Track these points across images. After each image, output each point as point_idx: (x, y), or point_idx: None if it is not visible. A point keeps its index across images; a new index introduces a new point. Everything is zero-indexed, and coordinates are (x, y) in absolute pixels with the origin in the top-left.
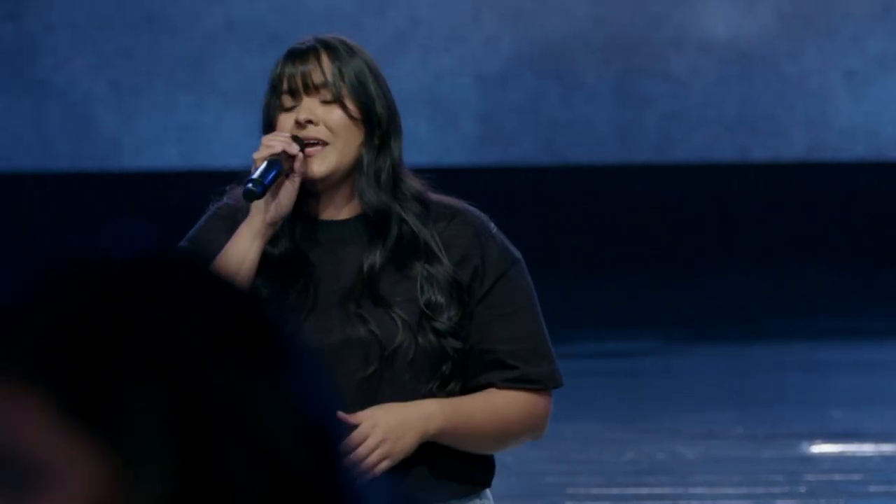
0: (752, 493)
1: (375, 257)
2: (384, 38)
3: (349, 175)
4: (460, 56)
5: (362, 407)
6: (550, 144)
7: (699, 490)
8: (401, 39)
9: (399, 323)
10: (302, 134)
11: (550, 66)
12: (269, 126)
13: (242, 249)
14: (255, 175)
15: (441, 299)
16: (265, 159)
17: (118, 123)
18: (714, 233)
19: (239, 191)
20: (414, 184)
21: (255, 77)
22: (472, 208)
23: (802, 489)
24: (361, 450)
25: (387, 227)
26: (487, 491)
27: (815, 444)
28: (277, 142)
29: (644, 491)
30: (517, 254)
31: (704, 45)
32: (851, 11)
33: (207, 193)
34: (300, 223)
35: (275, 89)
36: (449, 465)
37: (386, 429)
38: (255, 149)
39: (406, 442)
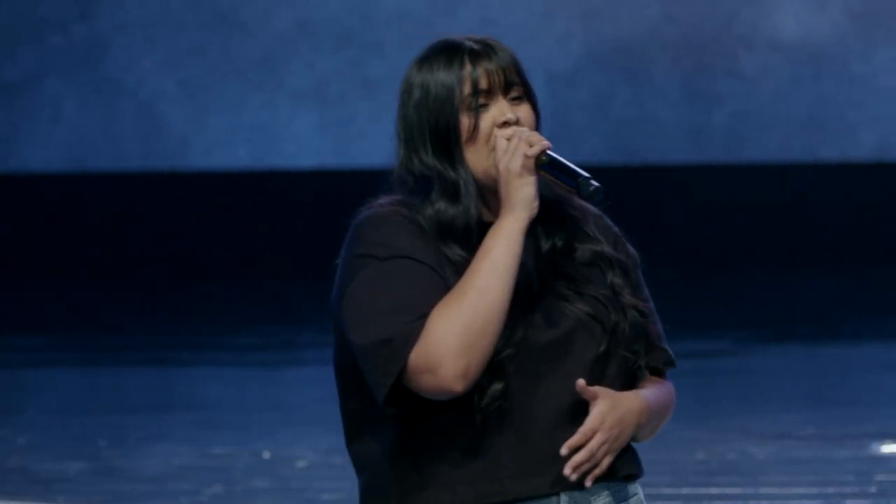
0: (823, 493)
1: (555, 241)
2: None
3: None
4: (531, 55)
5: (594, 384)
6: (619, 143)
7: (770, 490)
8: None
9: (606, 302)
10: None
11: (620, 64)
12: (447, 129)
13: (513, 246)
14: (583, 171)
15: (619, 279)
16: (542, 155)
17: (188, 123)
18: (785, 233)
19: (385, 199)
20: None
21: (326, 76)
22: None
23: (873, 489)
24: (593, 445)
25: (551, 215)
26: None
27: (886, 444)
28: (538, 140)
29: (714, 491)
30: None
31: (774, 44)
32: None
33: (277, 193)
34: (478, 227)
35: (474, 89)
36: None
37: (612, 423)
38: (329, 148)
39: (625, 437)
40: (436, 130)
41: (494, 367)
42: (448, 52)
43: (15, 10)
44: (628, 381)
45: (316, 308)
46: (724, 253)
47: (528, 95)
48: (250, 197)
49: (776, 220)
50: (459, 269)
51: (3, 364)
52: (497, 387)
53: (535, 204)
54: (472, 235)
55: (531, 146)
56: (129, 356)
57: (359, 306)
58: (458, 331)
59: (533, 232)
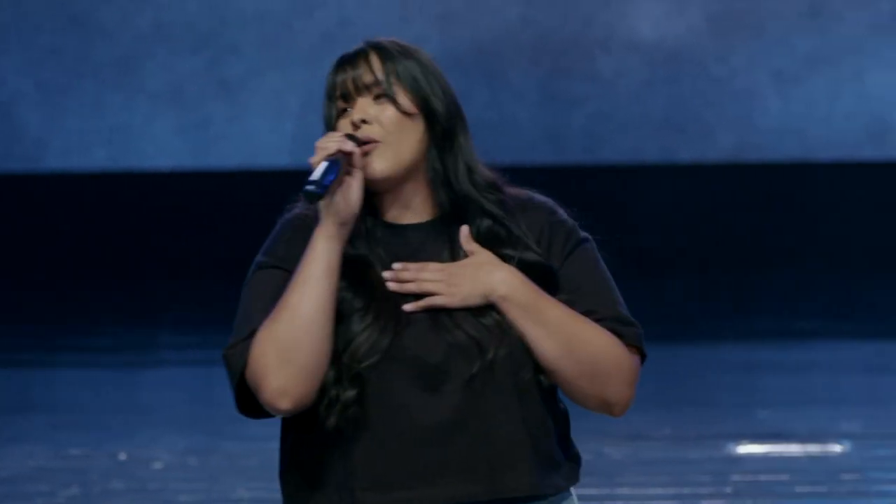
0: (679, 493)
1: (460, 256)
2: (313, 39)
3: (415, 174)
4: None
5: (470, 407)
6: (478, 144)
7: (625, 491)
8: (330, 40)
9: (495, 321)
10: (357, 134)
11: (478, 66)
12: (330, 131)
13: (321, 255)
14: (313, 177)
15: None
16: (321, 161)
17: (45, 124)
18: (642, 234)
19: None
20: (488, 175)
21: (184, 78)
22: (541, 196)
23: (729, 490)
24: (422, 269)
25: (468, 222)
26: (572, 489)
27: (742, 444)
28: (331, 142)
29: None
30: (585, 234)
31: (632, 46)
32: (779, 11)
33: (136, 194)
34: (380, 229)
35: (330, 97)
36: (550, 459)
37: (456, 267)
38: (187, 150)
39: (466, 291)
40: (323, 130)
41: (354, 374)
42: (338, 58)
43: None
44: (516, 397)
45: (173, 310)
46: None
47: (392, 95)
48: (108, 198)
49: (633, 221)
50: (352, 268)
51: None
52: (349, 394)
53: (341, 209)
54: (363, 236)
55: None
56: None
57: (237, 314)
58: (271, 348)
59: (442, 250)
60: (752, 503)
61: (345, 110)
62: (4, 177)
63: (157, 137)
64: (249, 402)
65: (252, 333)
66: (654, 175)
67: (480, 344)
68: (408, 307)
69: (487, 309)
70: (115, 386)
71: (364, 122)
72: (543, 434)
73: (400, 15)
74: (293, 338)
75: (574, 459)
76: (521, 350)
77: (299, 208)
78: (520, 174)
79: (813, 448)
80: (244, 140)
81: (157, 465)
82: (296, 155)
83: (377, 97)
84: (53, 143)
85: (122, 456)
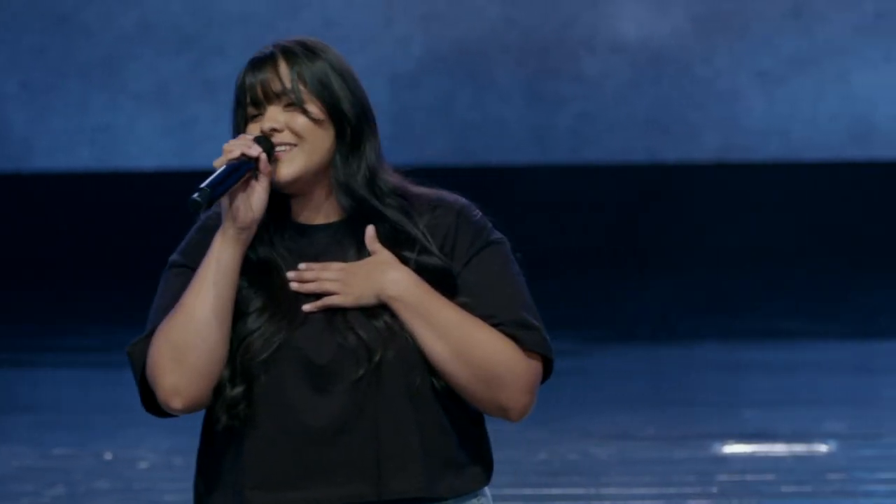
0: (665, 493)
1: (359, 253)
2: None
3: (324, 177)
4: (373, 57)
5: (357, 408)
6: (463, 145)
7: (611, 490)
8: None
9: (386, 324)
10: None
11: (462, 66)
12: (235, 134)
13: (218, 258)
14: (205, 183)
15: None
16: (223, 164)
17: (30, 124)
18: (626, 233)
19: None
20: (392, 179)
21: (169, 78)
22: (454, 196)
23: (714, 489)
24: (323, 269)
25: (365, 224)
26: (486, 489)
27: (727, 444)
28: (237, 146)
29: (556, 491)
30: (496, 236)
31: (616, 47)
32: (762, 12)
33: (121, 194)
34: (284, 230)
35: (239, 101)
36: (447, 461)
37: (353, 267)
38: (170, 149)
39: (360, 289)
40: (232, 134)
41: (244, 371)
42: (249, 61)
43: None
44: (409, 400)
45: None
46: (565, 253)
47: (301, 104)
48: (93, 198)
49: (619, 221)
50: (258, 267)
51: None
52: (237, 391)
53: (241, 213)
54: (269, 236)
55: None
56: None
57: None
58: (165, 348)
59: (342, 252)
60: (737, 503)
61: (255, 115)
62: None
63: (141, 137)
64: (153, 400)
65: (153, 332)
66: (639, 175)
67: (368, 346)
68: (306, 307)
69: (381, 310)
70: (98, 385)
71: (274, 130)
72: (439, 436)
73: (384, 15)
74: (185, 339)
75: (482, 461)
76: (413, 352)
77: (216, 208)
78: (506, 174)
79: (798, 448)
80: (227, 140)
81: (143, 465)
82: None
83: (287, 105)
84: (39, 142)
85: (108, 455)
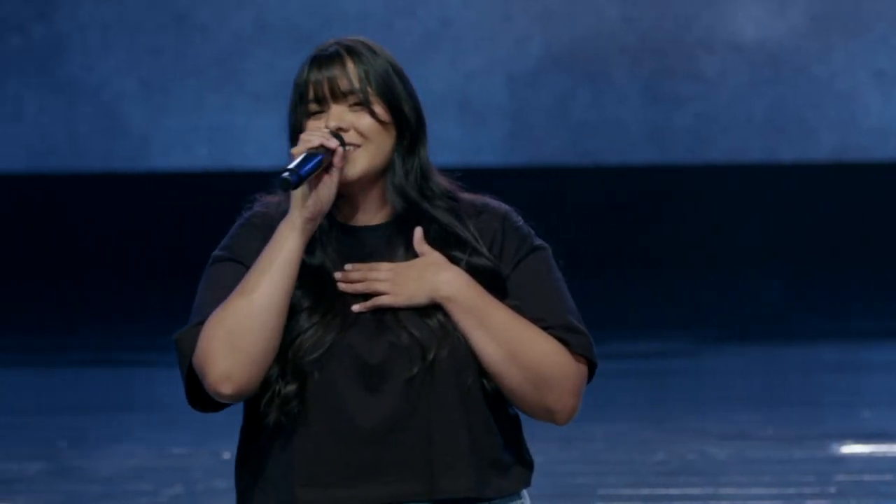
0: (783, 493)
1: (408, 251)
2: (415, 38)
3: (379, 178)
4: (490, 56)
5: (410, 407)
6: (579, 145)
7: (729, 491)
8: (431, 40)
9: (439, 323)
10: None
11: (580, 66)
12: (297, 131)
13: (283, 246)
14: (291, 165)
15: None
16: (302, 153)
17: (147, 123)
18: (745, 233)
19: (270, 199)
20: (442, 182)
21: (286, 78)
22: (498, 202)
23: (833, 490)
24: (372, 270)
25: (415, 223)
26: (525, 491)
27: (845, 444)
28: (316, 136)
29: (675, 491)
30: (539, 242)
31: (734, 47)
32: (880, 11)
33: (237, 194)
34: (334, 230)
35: (301, 97)
36: (494, 462)
37: (402, 266)
38: (286, 149)
39: (410, 289)
40: (289, 134)
41: (295, 368)
42: (310, 57)
43: None
44: (460, 401)
45: None
46: (684, 253)
47: (369, 104)
48: (210, 197)
49: (735, 220)
50: (312, 272)
51: None
52: (290, 389)
53: (311, 203)
54: (326, 240)
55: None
56: (88, 356)
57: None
58: (221, 333)
59: (393, 253)
60: (855, 503)
61: (316, 112)
62: (108, 175)
63: (258, 137)
64: (198, 395)
65: (202, 322)
66: (756, 175)
67: (422, 344)
68: (356, 307)
69: (433, 310)
70: None
71: (341, 129)
72: (487, 437)
73: (502, 14)
74: (243, 324)
75: (524, 463)
76: (465, 353)
77: (258, 207)
78: (623, 174)
79: None
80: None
81: None
82: None
83: (353, 105)
84: (156, 142)
85: (226, 454)
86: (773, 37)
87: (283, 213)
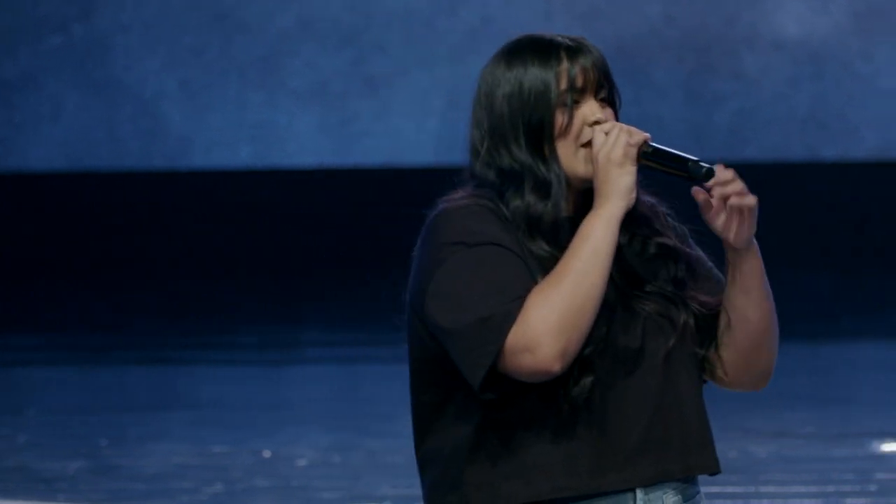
0: (823, 491)
1: (622, 237)
2: (457, 37)
3: None
4: None
5: (666, 381)
6: None
7: (770, 489)
8: (473, 38)
9: (672, 297)
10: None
11: (622, 64)
12: (547, 126)
13: (610, 233)
14: (690, 157)
15: (683, 273)
16: (651, 146)
17: (189, 122)
18: (787, 230)
19: (454, 195)
20: None
21: (328, 76)
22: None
23: (873, 488)
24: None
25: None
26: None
27: (886, 442)
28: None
29: (715, 489)
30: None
31: (776, 44)
32: None
33: (279, 192)
34: (568, 223)
35: (571, 86)
36: (711, 435)
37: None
38: (332, 146)
39: (749, 221)
40: (529, 125)
41: (583, 360)
42: (542, 47)
43: (14, 8)
44: (695, 374)
45: (318, 307)
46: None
47: (612, 99)
48: (252, 196)
49: (777, 217)
50: (544, 264)
51: (3, 363)
52: (587, 379)
53: (633, 195)
54: (559, 232)
55: (631, 136)
56: (130, 355)
57: (451, 291)
58: (559, 310)
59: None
60: None
61: (566, 105)
62: (149, 174)
63: (300, 135)
64: (491, 378)
65: (518, 298)
66: (797, 173)
67: (672, 320)
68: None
69: (664, 279)
70: (258, 383)
71: (598, 122)
72: (704, 410)
73: (544, 13)
74: (582, 301)
75: None
76: (704, 318)
77: (460, 200)
78: None
79: None
80: (388, 138)
81: (301, 463)
82: (440, 153)
83: (601, 99)
84: (197, 141)
85: (266, 453)
86: (816, 34)
87: (483, 205)
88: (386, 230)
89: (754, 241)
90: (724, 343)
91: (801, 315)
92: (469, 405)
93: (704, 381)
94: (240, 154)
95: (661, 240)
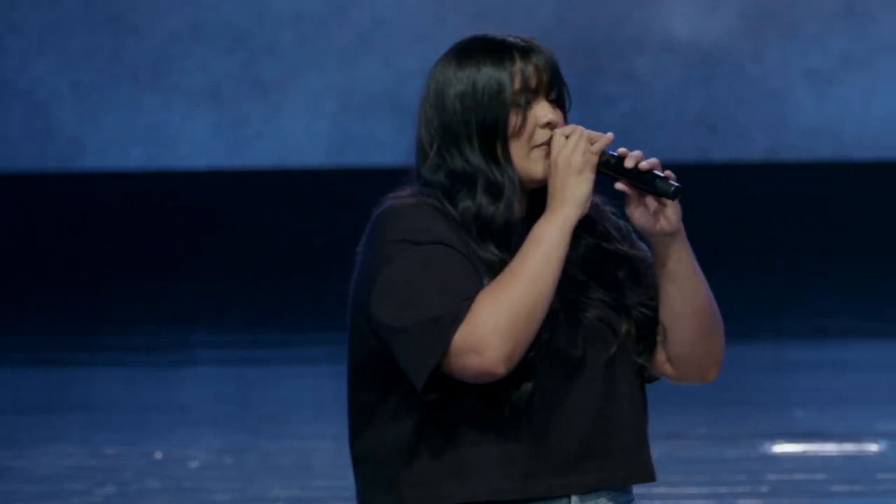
0: (715, 492)
1: (573, 243)
2: (348, 38)
3: None
4: (423, 56)
5: (607, 389)
6: None
7: (662, 490)
8: (364, 40)
9: (613, 304)
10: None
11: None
12: (500, 127)
13: (564, 240)
14: (661, 173)
15: (626, 277)
16: (613, 157)
17: (82, 124)
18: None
19: (401, 192)
20: None
21: (220, 77)
22: None
23: (765, 489)
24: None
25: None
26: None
27: (777, 443)
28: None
29: None
30: None
31: (667, 46)
32: (813, 11)
33: (172, 193)
34: (518, 224)
35: (523, 87)
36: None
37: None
38: (223, 149)
39: (673, 219)
40: (482, 125)
41: (525, 365)
42: (494, 47)
43: None
44: (636, 382)
45: (209, 308)
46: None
47: (562, 100)
48: (144, 197)
49: None
50: (492, 266)
51: None
52: (528, 384)
53: (588, 203)
54: (511, 235)
55: (592, 143)
56: (21, 356)
57: (399, 289)
58: (508, 313)
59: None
60: (788, 502)
61: (517, 105)
62: (42, 176)
63: (192, 136)
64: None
65: (467, 299)
66: (688, 174)
67: (610, 323)
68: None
69: (608, 283)
70: (149, 384)
71: (550, 124)
72: (644, 415)
73: (435, 14)
74: (531, 306)
75: None
76: (645, 324)
77: (407, 198)
78: None
79: (849, 447)
80: (280, 139)
81: (193, 464)
82: (331, 155)
83: (552, 100)
84: (90, 142)
85: (158, 455)
86: (706, 36)
87: (431, 204)
88: (277, 232)
89: (682, 226)
90: (668, 337)
91: None
92: (408, 404)
93: (656, 378)
94: (132, 155)
95: (606, 244)
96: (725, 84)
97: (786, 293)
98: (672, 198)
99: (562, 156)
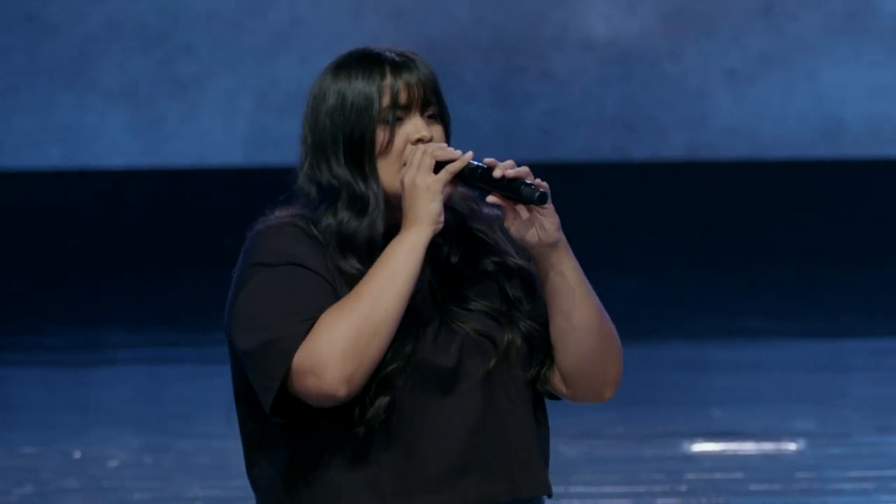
0: (633, 491)
1: (451, 256)
2: (265, 38)
3: None
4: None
5: (486, 403)
6: None
7: (579, 489)
8: (281, 39)
9: (497, 317)
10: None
11: (431, 64)
12: (368, 142)
13: (413, 257)
14: (529, 180)
15: (518, 290)
16: (477, 167)
17: None
18: (593, 232)
19: (280, 213)
20: (464, 190)
21: (136, 77)
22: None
23: (683, 488)
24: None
25: (449, 229)
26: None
27: (695, 442)
28: (452, 151)
29: None
30: None
31: (585, 45)
32: (731, 10)
33: (89, 193)
34: (384, 240)
35: (374, 102)
36: (545, 457)
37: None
38: (143, 149)
39: (550, 231)
40: (349, 140)
41: (382, 380)
42: (368, 62)
43: None
44: (525, 395)
45: (123, 308)
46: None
47: (442, 116)
48: (61, 196)
49: (585, 219)
50: (354, 282)
51: None
52: (383, 400)
53: (441, 219)
54: (374, 250)
55: (440, 158)
56: None
57: (247, 313)
58: (347, 335)
59: (430, 247)
60: (706, 501)
61: (393, 120)
62: None
63: (109, 136)
64: (282, 400)
65: (309, 320)
66: (607, 173)
67: (490, 335)
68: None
69: (494, 295)
70: (65, 384)
71: (421, 140)
72: (541, 429)
73: (353, 13)
74: (374, 329)
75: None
76: (534, 336)
77: (274, 220)
78: None
79: (767, 446)
80: (197, 139)
81: (112, 464)
82: (249, 154)
83: (428, 117)
84: (5, 142)
85: (77, 454)
86: (624, 35)
87: (296, 225)
88: (194, 231)
89: (563, 236)
90: (558, 355)
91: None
92: (284, 430)
93: (556, 398)
94: (48, 155)
95: (495, 258)
96: (644, 83)
97: (702, 292)
98: (537, 203)
99: (407, 176)
